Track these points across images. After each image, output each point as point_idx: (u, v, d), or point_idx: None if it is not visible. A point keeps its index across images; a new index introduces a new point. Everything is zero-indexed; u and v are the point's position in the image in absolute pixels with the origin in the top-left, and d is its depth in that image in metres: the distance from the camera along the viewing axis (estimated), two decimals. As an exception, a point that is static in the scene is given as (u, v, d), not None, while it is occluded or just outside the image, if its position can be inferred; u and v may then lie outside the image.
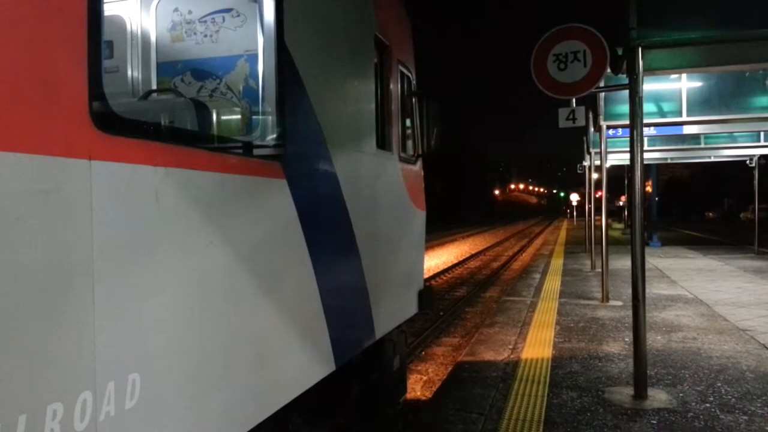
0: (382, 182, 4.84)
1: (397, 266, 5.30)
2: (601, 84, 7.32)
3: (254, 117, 3.48)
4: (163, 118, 2.89)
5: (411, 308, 5.72)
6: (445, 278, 18.95)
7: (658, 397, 5.47)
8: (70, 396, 1.83)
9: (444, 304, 13.86)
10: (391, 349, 5.39)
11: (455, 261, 23.80)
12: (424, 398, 7.49)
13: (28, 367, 1.71)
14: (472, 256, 26.38)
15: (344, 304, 4.04)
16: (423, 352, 9.78)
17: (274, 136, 3.18)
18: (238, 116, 3.57)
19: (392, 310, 5.07)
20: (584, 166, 20.07)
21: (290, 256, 3.29)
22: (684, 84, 10.76)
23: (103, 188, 1.96)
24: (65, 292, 1.84)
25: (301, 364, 3.40)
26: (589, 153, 15.88)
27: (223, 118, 3.54)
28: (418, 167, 6.01)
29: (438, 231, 42.31)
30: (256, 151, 3.15)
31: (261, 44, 3.28)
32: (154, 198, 2.21)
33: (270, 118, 3.21)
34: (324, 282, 3.59)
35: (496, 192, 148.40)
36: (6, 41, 1.66)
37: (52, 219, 1.78)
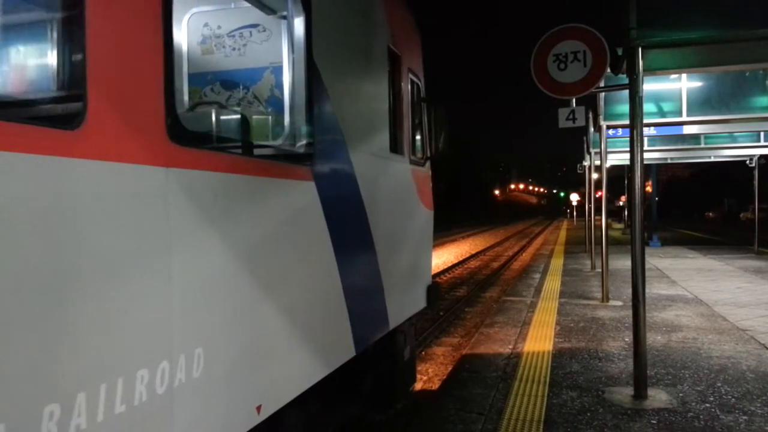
0: (395, 183, 5.19)
1: (409, 262, 5.63)
2: (601, 84, 7.33)
3: (288, 125, 3.72)
4: (215, 128, 3.14)
5: (420, 302, 6.04)
6: (445, 278, 18.98)
7: (658, 397, 5.47)
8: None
9: (444, 304, 13.87)
10: (403, 340, 5.70)
11: (455, 261, 23.83)
12: (424, 398, 7.50)
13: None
14: (472, 256, 26.39)
15: (363, 297, 4.37)
16: (423, 352, 9.78)
17: (304, 142, 3.47)
18: (276, 126, 3.81)
19: (404, 303, 5.39)
20: (584, 166, 20.06)
21: (318, 252, 3.63)
22: (684, 84, 10.76)
23: (175, 192, 2.25)
24: (144, 285, 2.11)
25: (328, 348, 3.77)
26: (589, 153, 15.88)
27: (265, 128, 3.79)
28: (426, 169, 6.37)
29: (438, 231, 42.23)
30: (291, 157, 3.47)
31: (288, 57, 3.55)
32: (213, 200, 2.51)
33: (302, 126, 3.48)
34: (346, 277, 3.91)
35: (496, 192, 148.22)
36: (103, 69, 1.92)
37: (136, 218, 2.07)
